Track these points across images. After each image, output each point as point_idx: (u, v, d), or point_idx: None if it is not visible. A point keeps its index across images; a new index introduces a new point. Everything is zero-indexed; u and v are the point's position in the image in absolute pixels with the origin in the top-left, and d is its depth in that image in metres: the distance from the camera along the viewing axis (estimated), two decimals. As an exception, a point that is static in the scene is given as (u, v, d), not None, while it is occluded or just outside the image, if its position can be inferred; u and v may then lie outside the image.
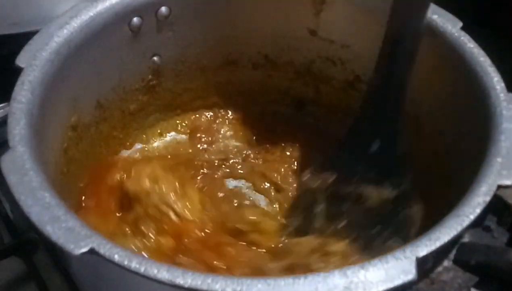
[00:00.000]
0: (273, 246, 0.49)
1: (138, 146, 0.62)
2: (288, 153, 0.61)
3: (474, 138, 0.45)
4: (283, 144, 0.62)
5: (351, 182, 0.48)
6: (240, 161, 0.61)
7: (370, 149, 0.48)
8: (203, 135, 0.63)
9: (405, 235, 0.45)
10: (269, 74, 0.64)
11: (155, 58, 0.58)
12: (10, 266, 0.53)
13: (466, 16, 0.51)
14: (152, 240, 0.48)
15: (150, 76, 0.59)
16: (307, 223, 0.50)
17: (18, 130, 0.40)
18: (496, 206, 0.42)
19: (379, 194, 0.48)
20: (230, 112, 0.65)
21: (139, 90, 0.59)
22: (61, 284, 0.51)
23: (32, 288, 0.51)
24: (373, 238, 0.45)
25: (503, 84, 0.45)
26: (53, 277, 0.52)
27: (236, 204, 0.55)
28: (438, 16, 0.51)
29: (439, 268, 0.37)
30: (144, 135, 0.63)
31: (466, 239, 0.39)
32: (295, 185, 0.56)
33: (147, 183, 0.50)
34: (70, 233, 0.34)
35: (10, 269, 0.53)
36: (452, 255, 0.38)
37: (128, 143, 0.61)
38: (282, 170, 0.59)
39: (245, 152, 0.62)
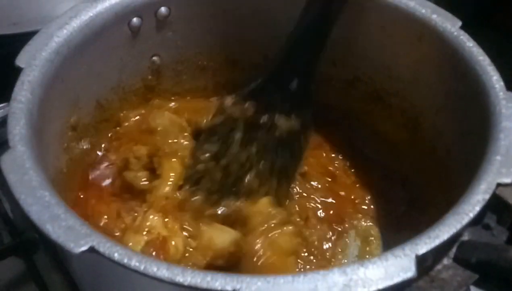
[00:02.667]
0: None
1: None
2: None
3: (473, 137, 0.45)
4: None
5: (268, 112, 0.55)
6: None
7: (291, 85, 0.55)
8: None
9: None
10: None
11: (154, 58, 0.58)
12: (10, 266, 0.53)
13: (467, 15, 0.51)
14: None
15: (150, 77, 0.59)
16: (224, 149, 0.54)
17: (18, 130, 0.40)
18: (496, 206, 0.41)
19: (288, 124, 0.55)
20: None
21: (139, 90, 0.59)
22: (61, 284, 0.51)
23: (32, 288, 0.51)
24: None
25: (502, 83, 0.45)
26: (53, 277, 0.52)
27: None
28: (437, 16, 0.51)
29: (439, 266, 0.37)
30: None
31: (466, 237, 0.39)
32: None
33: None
34: (70, 232, 0.34)
35: (10, 269, 0.53)
36: (451, 253, 0.38)
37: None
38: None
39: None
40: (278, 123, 0.54)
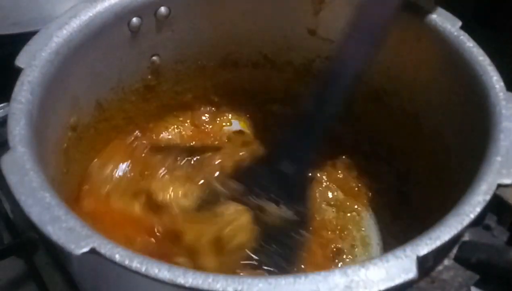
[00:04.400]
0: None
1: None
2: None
3: (473, 137, 0.45)
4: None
5: (257, 195, 0.51)
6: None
7: (285, 170, 0.52)
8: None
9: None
10: (268, 74, 0.64)
11: (154, 58, 0.58)
12: (10, 266, 0.53)
13: (467, 15, 0.51)
14: None
15: (149, 77, 0.59)
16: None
17: (18, 131, 0.40)
18: (496, 206, 0.42)
19: (279, 213, 0.51)
20: (229, 113, 0.65)
21: (139, 90, 0.59)
22: (61, 284, 0.51)
23: (32, 288, 0.51)
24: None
25: (502, 83, 0.45)
26: (53, 277, 0.52)
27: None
28: (437, 15, 0.51)
29: (440, 267, 0.37)
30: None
31: (466, 237, 0.39)
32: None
33: None
34: (71, 233, 0.34)
35: (10, 269, 0.53)
36: (452, 254, 0.38)
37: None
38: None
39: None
40: (267, 208, 0.51)
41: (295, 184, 0.52)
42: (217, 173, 0.54)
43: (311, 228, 0.53)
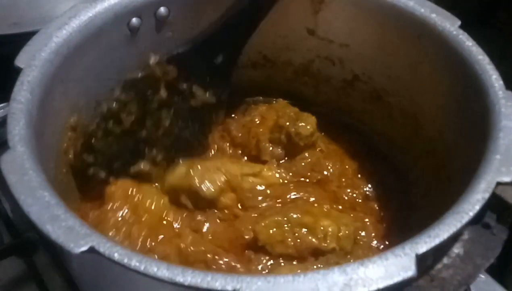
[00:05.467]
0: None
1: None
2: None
3: (473, 136, 0.45)
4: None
5: (188, 80, 0.55)
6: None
7: (216, 60, 0.56)
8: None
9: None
10: (268, 74, 0.64)
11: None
12: (10, 266, 0.53)
13: (467, 15, 0.51)
14: None
15: (149, 77, 0.59)
16: (141, 105, 0.54)
17: (17, 130, 0.40)
18: (496, 206, 0.41)
19: (204, 97, 0.56)
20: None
21: (139, 90, 0.59)
22: (61, 284, 0.52)
23: (32, 288, 0.52)
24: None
25: (501, 82, 0.45)
26: (53, 277, 0.52)
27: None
28: (436, 15, 0.51)
29: (439, 265, 0.37)
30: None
31: (466, 236, 0.39)
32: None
33: None
34: (70, 232, 0.34)
35: (10, 269, 0.53)
36: (452, 252, 0.38)
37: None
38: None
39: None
40: (196, 93, 0.55)
41: (221, 74, 0.57)
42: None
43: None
